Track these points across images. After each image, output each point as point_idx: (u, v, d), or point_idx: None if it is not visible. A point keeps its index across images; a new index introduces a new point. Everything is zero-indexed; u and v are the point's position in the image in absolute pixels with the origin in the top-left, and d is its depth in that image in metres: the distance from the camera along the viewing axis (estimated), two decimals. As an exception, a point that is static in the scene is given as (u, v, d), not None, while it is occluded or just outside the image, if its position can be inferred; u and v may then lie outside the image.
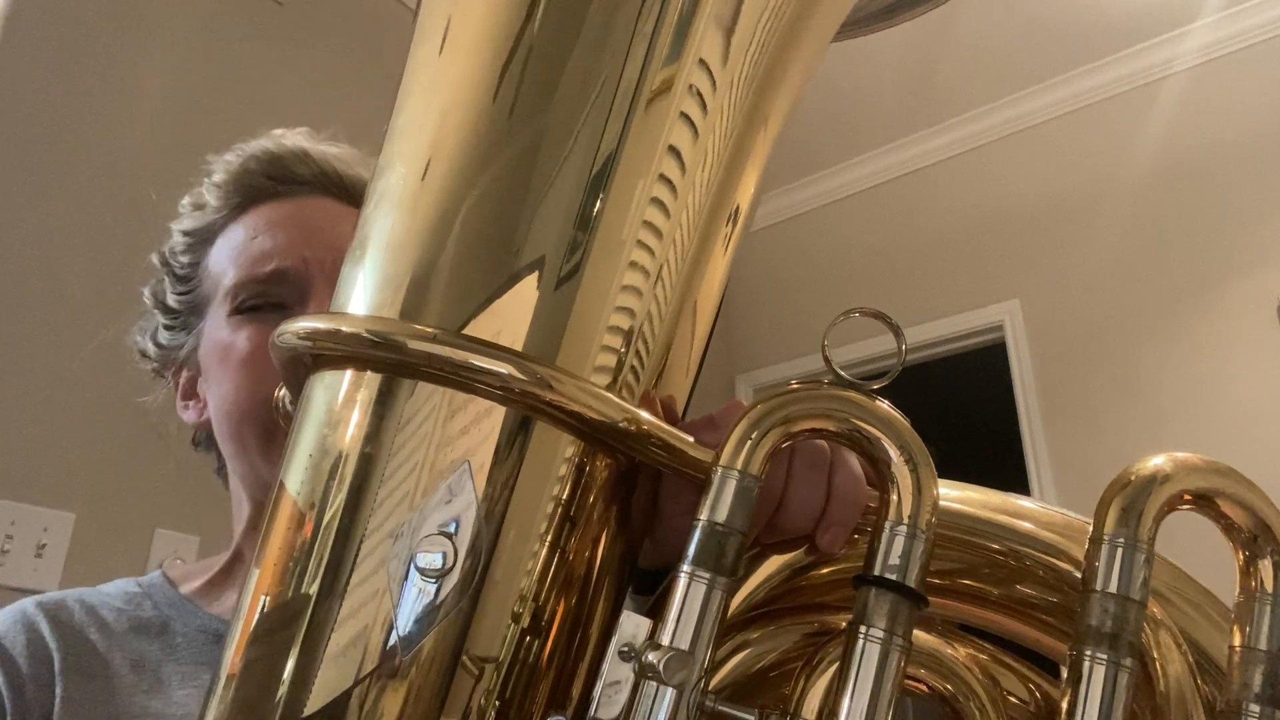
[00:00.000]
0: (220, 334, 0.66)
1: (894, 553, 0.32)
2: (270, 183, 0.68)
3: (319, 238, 0.65)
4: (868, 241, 3.33)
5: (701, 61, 0.38)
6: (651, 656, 0.29)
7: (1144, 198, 2.75)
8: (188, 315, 0.70)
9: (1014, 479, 2.59)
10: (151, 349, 0.73)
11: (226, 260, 0.67)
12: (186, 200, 0.72)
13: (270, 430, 0.61)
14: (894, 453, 0.33)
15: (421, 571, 0.31)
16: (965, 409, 3.37)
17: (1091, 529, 0.33)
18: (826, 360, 0.35)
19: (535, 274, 0.34)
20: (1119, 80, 2.89)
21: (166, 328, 0.72)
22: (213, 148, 0.70)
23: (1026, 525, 0.38)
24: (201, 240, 0.70)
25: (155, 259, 0.73)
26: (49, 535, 1.53)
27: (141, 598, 0.67)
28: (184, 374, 0.72)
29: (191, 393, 0.71)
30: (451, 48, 0.39)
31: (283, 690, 0.31)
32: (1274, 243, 2.49)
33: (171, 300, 0.71)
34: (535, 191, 0.36)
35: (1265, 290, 2.46)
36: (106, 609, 0.65)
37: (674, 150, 0.37)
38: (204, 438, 0.72)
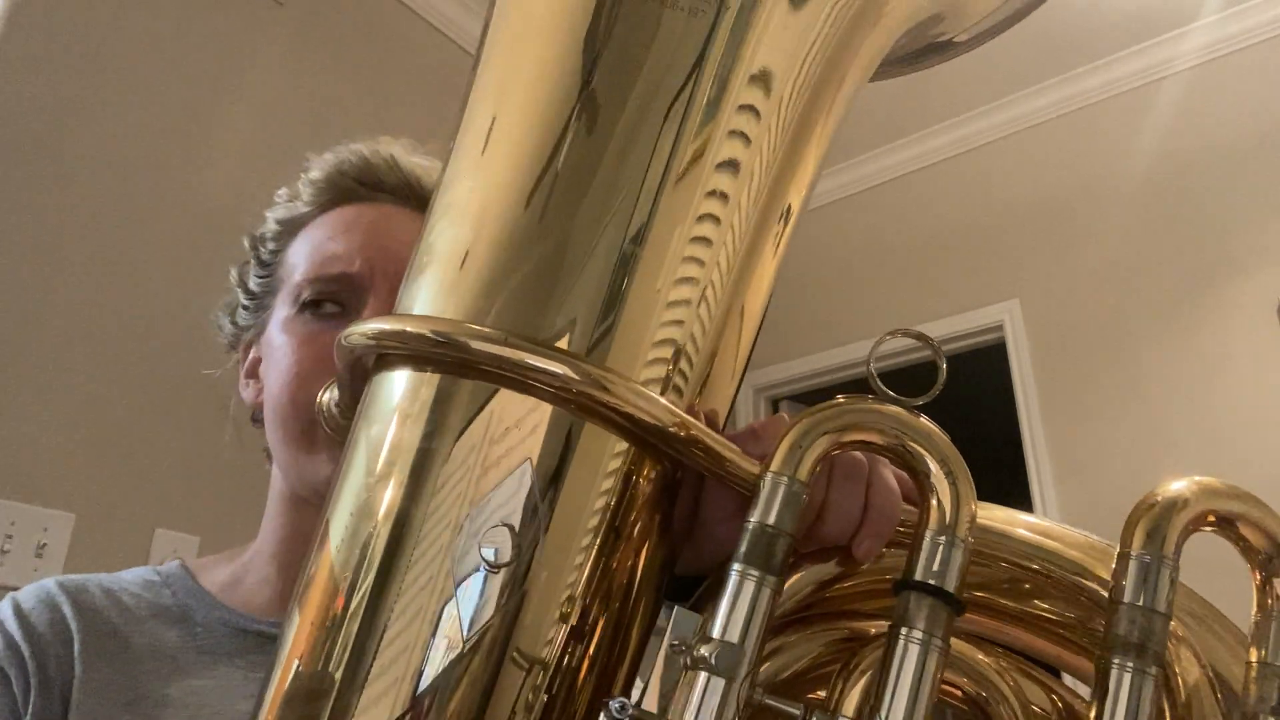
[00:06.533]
0: (278, 328, 0.69)
1: (935, 560, 0.34)
2: (357, 186, 0.71)
3: (387, 243, 0.67)
4: (868, 242, 3.33)
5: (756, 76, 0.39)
6: (703, 649, 0.31)
7: (1144, 197, 2.76)
8: (264, 298, 0.73)
9: (1014, 479, 2.60)
10: (227, 325, 0.76)
11: (302, 255, 0.70)
12: (283, 191, 0.75)
13: (311, 428, 0.63)
14: (934, 466, 0.35)
15: (483, 562, 0.32)
16: (965, 409, 3.38)
17: (1118, 547, 0.35)
18: (871, 375, 0.36)
19: (588, 287, 0.36)
20: (1118, 80, 2.90)
21: (244, 308, 0.74)
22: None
23: (1053, 543, 0.39)
24: (288, 230, 0.73)
25: (246, 241, 0.76)
26: (49, 535, 1.53)
27: (160, 586, 0.68)
28: (250, 354, 0.74)
29: (254, 373, 0.73)
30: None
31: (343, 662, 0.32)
32: (1274, 243, 2.49)
33: (253, 283, 0.74)
34: (590, 207, 0.37)
35: (1265, 290, 2.46)
36: (126, 594, 0.66)
37: (729, 162, 0.38)
38: (262, 416, 0.74)
